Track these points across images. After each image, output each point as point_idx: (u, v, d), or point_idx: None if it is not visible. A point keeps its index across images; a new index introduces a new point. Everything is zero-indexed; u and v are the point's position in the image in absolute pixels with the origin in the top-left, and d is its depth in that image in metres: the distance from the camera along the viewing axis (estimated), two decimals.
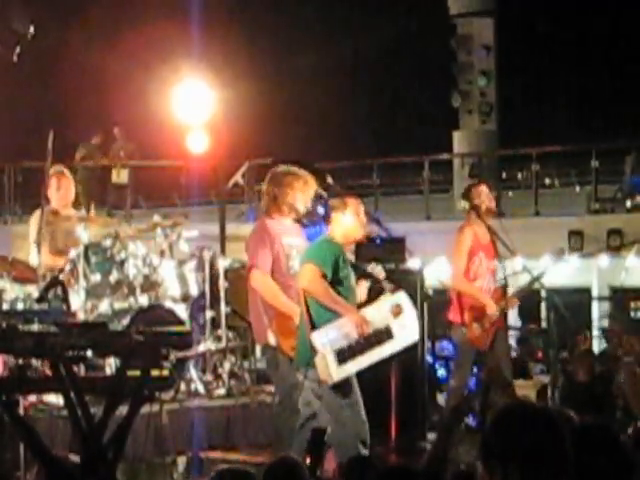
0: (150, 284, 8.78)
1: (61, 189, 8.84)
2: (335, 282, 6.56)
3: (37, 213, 8.59)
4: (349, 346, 6.50)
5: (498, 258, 8.39)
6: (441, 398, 9.86)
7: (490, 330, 8.28)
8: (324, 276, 6.50)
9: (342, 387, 6.52)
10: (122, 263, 8.56)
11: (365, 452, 6.44)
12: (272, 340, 6.96)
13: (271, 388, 9.50)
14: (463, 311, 8.27)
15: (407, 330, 6.75)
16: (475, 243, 8.32)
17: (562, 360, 10.35)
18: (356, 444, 6.42)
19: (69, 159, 17.56)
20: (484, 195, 8.38)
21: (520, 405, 3.31)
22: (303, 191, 7.17)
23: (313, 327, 6.52)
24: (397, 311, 6.68)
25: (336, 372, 6.45)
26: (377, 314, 6.66)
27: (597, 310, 14.89)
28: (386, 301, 6.74)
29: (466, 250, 8.31)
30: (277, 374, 7.08)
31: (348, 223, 6.71)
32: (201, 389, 8.89)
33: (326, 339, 6.48)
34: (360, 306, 6.73)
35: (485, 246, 8.35)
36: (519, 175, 21.23)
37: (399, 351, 6.87)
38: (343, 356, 6.47)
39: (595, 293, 15.51)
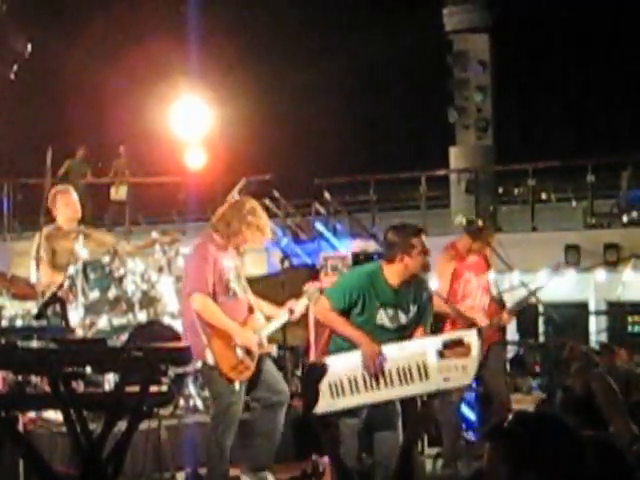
0: (148, 300, 8.80)
1: (70, 205, 8.90)
2: (355, 314, 6.46)
3: (43, 230, 8.61)
4: (350, 380, 6.31)
5: (490, 272, 8.40)
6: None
7: (483, 344, 8.27)
8: (335, 308, 6.48)
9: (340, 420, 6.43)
10: (121, 279, 8.59)
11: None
12: (210, 359, 6.96)
13: None
14: (455, 324, 8.27)
15: (453, 373, 6.29)
16: (458, 266, 8.34)
17: (564, 374, 10.37)
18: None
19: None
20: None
21: (557, 417, 3.22)
22: (254, 240, 7.20)
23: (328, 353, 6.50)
24: (454, 351, 6.28)
25: (319, 404, 6.34)
26: (417, 348, 6.34)
27: (594, 324, 14.91)
28: (438, 338, 6.42)
29: (447, 274, 8.30)
30: (213, 391, 7.11)
31: (413, 264, 6.44)
32: (200, 405, 8.89)
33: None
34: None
35: (472, 264, 8.37)
36: (515, 190, 21.30)
37: (435, 392, 6.46)
38: (337, 390, 6.30)
39: (592, 308, 15.54)
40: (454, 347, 6.28)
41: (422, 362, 6.26)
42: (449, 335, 6.46)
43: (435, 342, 6.35)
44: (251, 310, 7.11)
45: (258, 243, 7.33)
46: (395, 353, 6.31)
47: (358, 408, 6.40)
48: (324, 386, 6.33)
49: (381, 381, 6.29)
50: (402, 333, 6.48)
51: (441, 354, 6.28)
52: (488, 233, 8.56)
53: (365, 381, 6.30)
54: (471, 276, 8.34)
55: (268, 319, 7.18)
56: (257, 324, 7.06)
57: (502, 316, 8.30)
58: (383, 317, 6.46)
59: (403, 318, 6.50)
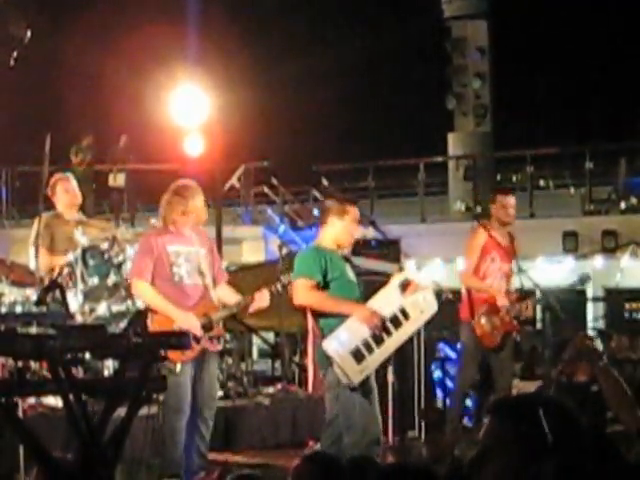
0: None
1: (69, 191, 8.93)
2: (326, 286, 6.60)
3: (42, 217, 8.62)
4: (364, 343, 6.50)
5: (516, 265, 8.42)
6: (437, 400, 9.92)
7: (500, 329, 8.29)
8: (318, 285, 6.57)
9: (357, 387, 6.54)
10: (119, 266, 8.60)
11: (375, 452, 6.50)
12: None
13: (269, 390, 9.58)
14: (473, 307, 8.29)
15: (422, 304, 6.73)
16: (489, 243, 8.37)
17: (561, 361, 10.39)
18: (364, 444, 6.47)
19: (65, 162, 17.66)
20: (507, 207, 8.45)
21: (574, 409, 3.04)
22: (188, 222, 7.24)
23: (323, 335, 6.57)
24: (408, 288, 6.67)
25: (356, 374, 6.48)
26: (387, 299, 6.66)
27: (592, 311, 14.95)
28: (394, 282, 6.73)
29: (477, 248, 8.38)
30: None
31: (341, 230, 6.74)
32: None
33: (337, 344, 6.49)
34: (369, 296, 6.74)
35: (502, 248, 8.40)
36: (514, 177, 21.30)
37: (420, 328, 7.05)
38: (360, 355, 6.48)
39: (590, 294, 15.57)
40: (406, 287, 6.68)
41: (401, 306, 6.65)
42: (395, 280, 6.75)
43: (393, 288, 6.70)
44: (206, 295, 7.16)
45: (195, 224, 7.34)
46: (377, 306, 6.63)
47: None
48: (349, 357, 6.46)
49: (384, 334, 6.58)
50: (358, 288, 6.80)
51: (403, 295, 6.68)
52: (502, 190, 8.62)
53: (373, 338, 6.54)
54: (496, 256, 8.38)
55: (224, 306, 7.25)
56: (210, 309, 7.11)
57: (522, 306, 8.33)
58: (349, 273, 6.74)
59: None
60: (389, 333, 6.59)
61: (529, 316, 8.83)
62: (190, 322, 6.95)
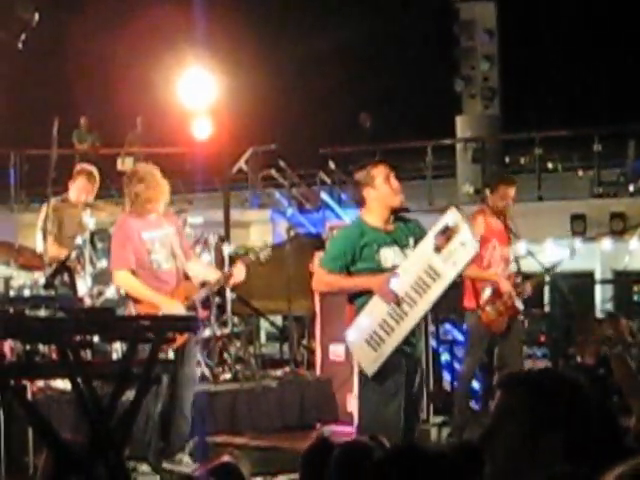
0: None
1: (89, 194, 8.92)
2: (359, 268, 6.20)
3: (50, 202, 8.62)
4: (382, 324, 6.07)
5: (510, 246, 8.41)
6: (446, 383, 9.93)
7: (506, 314, 8.27)
8: (331, 272, 6.25)
9: (375, 380, 6.16)
10: None
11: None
12: None
13: (277, 373, 9.61)
14: (478, 295, 8.27)
15: (455, 254, 6.08)
16: (488, 230, 8.33)
17: (569, 343, 10.39)
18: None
19: (69, 147, 17.69)
20: (507, 198, 8.41)
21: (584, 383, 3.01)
22: (157, 190, 7.27)
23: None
24: (446, 237, 6.05)
25: (371, 364, 6.12)
26: (414, 261, 6.13)
27: (600, 294, 14.93)
28: (428, 237, 6.15)
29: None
30: None
31: (381, 196, 6.23)
32: (207, 374, 8.96)
33: (355, 333, 6.18)
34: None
35: (498, 233, 8.38)
36: (522, 159, 21.26)
37: (455, 278, 6.25)
38: (376, 340, 6.10)
39: (598, 277, 15.54)
40: (444, 235, 6.08)
41: (428, 266, 6.09)
42: (434, 229, 6.15)
43: (428, 243, 6.14)
44: (186, 277, 7.21)
45: (161, 202, 7.34)
46: (401, 276, 6.13)
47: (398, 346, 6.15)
48: (364, 346, 6.12)
49: (405, 306, 6.11)
50: None
51: (438, 248, 6.10)
52: (506, 181, 8.55)
53: (392, 316, 6.11)
54: (496, 244, 8.36)
55: (203, 285, 7.27)
56: (190, 290, 7.14)
57: (524, 288, 8.32)
58: (388, 258, 6.22)
59: (408, 254, 6.29)
60: (412, 304, 6.08)
61: (529, 295, 8.72)
62: (176, 308, 6.98)
